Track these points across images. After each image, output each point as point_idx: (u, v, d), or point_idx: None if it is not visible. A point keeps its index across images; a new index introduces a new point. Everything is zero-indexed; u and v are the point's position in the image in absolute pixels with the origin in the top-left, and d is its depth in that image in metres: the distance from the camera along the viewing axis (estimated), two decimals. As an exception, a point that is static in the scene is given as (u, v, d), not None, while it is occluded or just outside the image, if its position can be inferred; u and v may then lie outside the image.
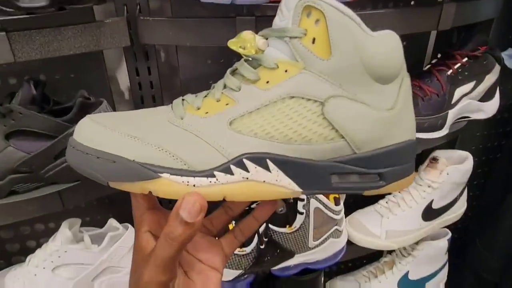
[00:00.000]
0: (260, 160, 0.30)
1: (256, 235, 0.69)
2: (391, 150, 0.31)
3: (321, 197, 0.67)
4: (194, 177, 0.29)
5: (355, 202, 0.98)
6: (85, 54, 0.56)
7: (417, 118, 0.66)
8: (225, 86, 0.33)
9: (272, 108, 0.30)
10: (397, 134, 0.31)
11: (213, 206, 0.33)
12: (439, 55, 0.75)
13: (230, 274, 0.69)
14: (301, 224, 0.68)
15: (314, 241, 0.70)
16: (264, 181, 0.30)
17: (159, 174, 0.29)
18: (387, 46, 0.30)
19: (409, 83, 0.32)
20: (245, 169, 0.30)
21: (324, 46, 0.29)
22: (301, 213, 0.67)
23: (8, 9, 0.45)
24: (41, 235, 0.82)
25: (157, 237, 0.31)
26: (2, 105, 0.52)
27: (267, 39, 0.32)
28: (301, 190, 0.31)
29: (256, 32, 0.33)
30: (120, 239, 0.68)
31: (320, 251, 0.73)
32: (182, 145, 0.30)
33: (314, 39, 0.30)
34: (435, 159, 0.81)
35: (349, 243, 0.80)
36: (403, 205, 0.80)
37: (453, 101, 0.69)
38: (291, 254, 0.71)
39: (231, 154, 0.30)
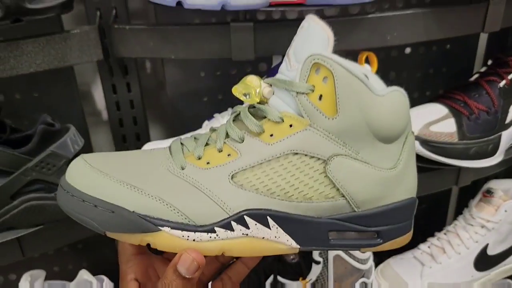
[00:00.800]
0: (260, 217, 0.35)
1: (263, 291, 0.68)
2: (391, 209, 0.37)
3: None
4: (194, 232, 0.35)
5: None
6: (50, 69, 0.57)
7: (462, 143, 0.65)
8: (227, 135, 0.38)
9: (274, 163, 0.36)
10: (398, 193, 0.37)
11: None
12: (489, 62, 0.74)
13: None
14: (318, 276, 0.67)
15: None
16: (263, 238, 0.36)
17: (160, 227, 0.34)
18: (393, 106, 0.35)
19: (413, 140, 0.38)
20: (246, 225, 0.35)
21: (331, 104, 0.34)
22: (318, 262, 0.66)
23: (-45, 23, 0.47)
24: (0, 288, 0.83)
25: (144, 286, 0.37)
26: None
27: (271, 86, 0.38)
28: (299, 246, 0.37)
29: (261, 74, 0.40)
30: (93, 296, 0.68)
31: (345, 311, 0.71)
32: (183, 197, 0.35)
33: (321, 96, 0.35)
34: (489, 192, 0.79)
35: (382, 298, 0.78)
36: (450, 251, 0.78)
37: (508, 119, 0.67)
38: (309, 315, 0.70)
39: (232, 209, 0.35)
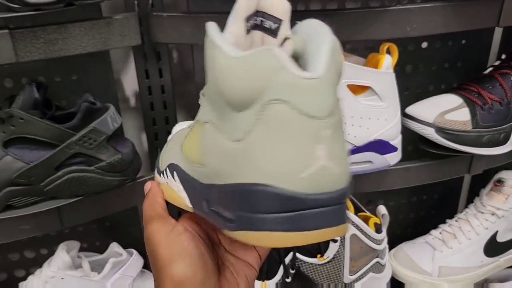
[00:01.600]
0: (172, 170, 0.42)
1: (282, 266, 0.72)
2: (242, 190, 0.30)
3: (359, 222, 0.70)
4: (158, 173, 0.46)
5: (403, 233, 1.00)
6: (89, 54, 0.62)
7: (475, 131, 0.69)
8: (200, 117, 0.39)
9: (192, 130, 0.39)
10: (250, 173, 0.30)
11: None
12: (503, 56, 0.78)
13: (250, 311, 0.73)
14: (335, 254, 0.71)
15: (350, 275, 0.73)
16: (173, 188, 0.42)
17: (156, 172, 0.47)
18: (242, 65, 0.29)
19: (284, 112, 0.28)
20: (166, 175, 0.43)
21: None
22: (335, 241, 0.70)
23: (14, 5, 0.52)
24: (32, 263, 0.87)
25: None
26: (1, 110, 0.58)
27: None
28: (191, 206, 0.39)
29: None
30: (123, 266, 0.73)
31: (358, 288, 0.75)
32: (172, 152, 0.43)
33: None
34: (500, 182, 0.82)
35: (395, 282, 0.82)
36: (461, 237, 0.81)
37: (520, 110, 0.71)
38: (322, 291, 0.74)
39: (164, 166, 0.44)
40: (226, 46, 0.30)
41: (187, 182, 0.38)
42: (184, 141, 0.40)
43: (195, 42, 0.65)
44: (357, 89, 0.63)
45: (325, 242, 0.71)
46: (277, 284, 0.73)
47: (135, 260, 0.75)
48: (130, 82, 0.81)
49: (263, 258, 0.44)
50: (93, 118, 0.62)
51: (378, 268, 0.76)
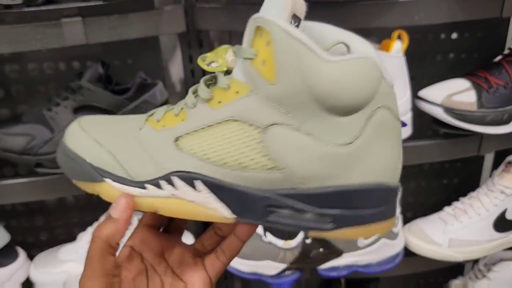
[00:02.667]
0: (188, 179, 0.35)
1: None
2: (346, 191, 0.32)
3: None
4: (129, 186, 0.37)
5: (421, 208, 1.07)
6: (142, 41, 0.75)
7: (480, 111, 0.77)
8: (186, 103, 0.38)
9: (215, 129, 0.35)
10: (355, 174, 0.33)
11: (203, 227, 0.42)
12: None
13: (274, 267, 0.83)
14: (350, 219, 0.80)
15: (364, 239, 0.82)
16: (193, 201, 0.36)
17: (104, 178, 0.37)
18: (345, 74, 0.31)
19: (387, 117, 0.33)
20: (173, 185, 0.36)
21: (272, 69, 0.32)
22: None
23: (87, -4, 0.66)
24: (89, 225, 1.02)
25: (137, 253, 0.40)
26: (73, 82, 0.72)
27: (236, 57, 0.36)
28: (234, 216, 0.36)
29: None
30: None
31: (372, 252, 0.84)
32: (129, 154, 0.38)
33: (264, 61, 0.33)
34: (510, 163, 0.89)
35: (410, 254, 0.90)
36: (471, 213, 0.89)
37: (523, 93, 0.78)
38: (338, 253, 0.83)
39: (164, 170, 0.36)
40: (319, 49, 0.31)
41: (227, 190, 0.35)
42: (191, 143, 0.36)
43: (232, 29, 0.77)
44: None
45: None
46: (298, 244, 0.83)
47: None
48: (175, 66, 0.94)
49: (213, 281, 0.42)
50: (144, 92, 0.75)
51: (391, 235, 0.84)
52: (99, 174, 0.37)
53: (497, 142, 0.86)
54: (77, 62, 0.89)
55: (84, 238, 0.84)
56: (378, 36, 0.87)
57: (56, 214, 1.01)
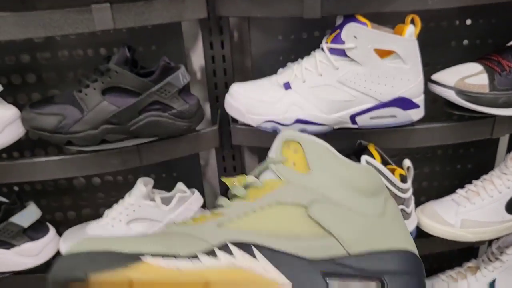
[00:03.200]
0: (245, 246, 0.35)
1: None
2: (388, 254, 0.36)
3: (384, 170, 0.81)
4: (177, 258, 0.32)
5: (435, 192, 1.09)
6: (165, 28, 0.78)
7: (492, 93, 0.79)
8: (219, 206, 0.41)
9: (260, 213, 0.38)
10: (392, 240, 0.37)
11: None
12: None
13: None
14: (364, 198, 0.83)
15: None
16: (250, 268, 0.34)
17: (140, 257, 0.32)
18: (361, 166, 0.42)
19: (396, 205, 0.41)
20: (230, 253, 0.34)
21: (303, 166, 0.40)
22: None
23: (115, -16, 0.70)
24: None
25: None
26: (101, 65, 0.77)
27: (257, 177, 0.43)
28: (287, 282, 0.35)
29: None
30: (187, 201, 0.89)
31: (384, 231, 0.87)
32: (171, 237, 0.35)
33: (294, 163, 0.41)
34: (524, 146, 0.90)
35: (423, 235, 0.93)
36: (484, 195, 0.91)
37: (535, 76, 0.80)
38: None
39: (217, 241, 0.35)
40: (334, 150, 0.43)
41: (282, 258, 0.35)
42: (237, 225, 0.37)
43: (250, 15, 0.80)
44: (383, 53, 0.75)
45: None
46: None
47: (197, 197, 0.91)
48: (197, 52, 0.98)
49: None
50: (168, 74, 0.79)
51: (403, 215, 0.87)
52: (131, 256, 0.32)
53: (510, 125, 0.87)
54: (104, 48, 0.93)
55: (110, 215, 0.89)
56: (393, 21, 0.90)
57: (83, 194, 1.07)
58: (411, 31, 0.75)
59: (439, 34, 0.96)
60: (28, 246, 0.88)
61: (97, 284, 0.31)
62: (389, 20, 0.92)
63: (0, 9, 0.85)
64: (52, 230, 0.92)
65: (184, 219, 0.40)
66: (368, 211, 0.39)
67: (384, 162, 0.87)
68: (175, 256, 0.32)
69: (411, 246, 0.39)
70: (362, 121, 0.79)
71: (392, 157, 0.87)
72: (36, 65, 0.93)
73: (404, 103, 0.77)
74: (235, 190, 0.42)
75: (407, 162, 0.86)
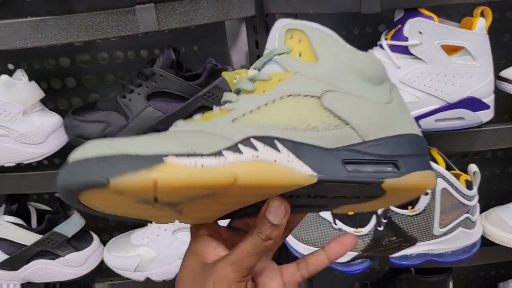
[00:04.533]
0: (268, 139, 0.35)
1: (375, 216, 0.80)
2: (401, 138, 0.38)
3: (450, 177, 0.75)
4: (202, 157, 0.32)
5: (497, 204, 1.02)
6: (208, 27, 0.73)
7: None
8: (224, 102, 0.40)
9: (271, 105, 0.37)
10: (401, 125, 0.38)
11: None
12: None
13: (344, 255, 0.81)
14: (426, 207, 0.77)
15: (440, 228, 0.78)
16: (275, 161, 0.34)
17: (163, 158, 0.31)
18: (365, 54, 0.40)
19: (399, 93, 0.41)
20: (254, 147, 0.34)
21: (310, 55, 0.38)
22: (426, 194, 0.76)
23: (160, -18, 0.65)
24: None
25: (218, 242, 0.38)
26: (145, 69, 0.72)
27: (259, 70, 0.41)
28: (316, 174, 0.35)
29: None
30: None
31: (447, 241, 0.80)
32: (186, 137, 0.34)
33: (300, 53, 0.39)
34: None
35: (486, 243, 0.86)
36: (556, 200, 0.83)
37: None
38: (412, 241, 0.80)
39: (238, 138, 0.34)
40: (339, 38, 0.40)
41: (304, 149, 0.36)
42: (252, 119, 0.37)
43: (301, 11, 0.75)
44: (450, 49, 0.68)
45: (416, 194, 0.77)
46: (369, 231, 0.80)
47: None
48: (240, 52, 0.93)
49: None
50: (215, 77, 0.74)
51: (468, 224, 0.80)
52: (154, 158, 0.31)
53: None
54: (144, 50, 0.89)
55: (156, 224, 0.85)
56: (456, 13, 0.82)
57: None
58: (481, 24, 0.68)
59: (502, 25, 0.88)
60: (73, 256, 0.85)
61: (118, 189, 0.30)
62: (451, 10, 0.85)
63: (41, 13, 0.82)
64: (96, 239, 0.89)
65: (191, 118, 0.39)
66: (377, 99, 0.39)
67: (448, 167, 0.81)
68: (200, 155, 0.32)
69: (418, 131, 0.40)
70: (427, 124, 0.72)
71: (448, 158, 0.80)
72: (76, 69, 0.90)
73: (473, 103, 0.70)
74: (240, 84, 0.40)
75: (473, 167, 0.79)
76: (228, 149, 0.33)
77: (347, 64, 0.39)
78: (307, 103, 0.37)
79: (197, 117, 0.39)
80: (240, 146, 0.34)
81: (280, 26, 0.40)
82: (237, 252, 0.36)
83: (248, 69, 0.43)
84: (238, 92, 0.40)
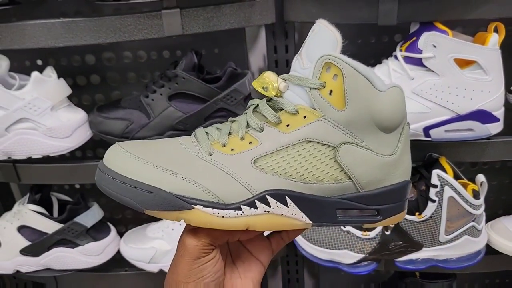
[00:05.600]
0: (280, 196, 0.41)
1: (382, 220, 0.82)
2: (389, 190, 0.42)
3: (457, 186, 0.77)
4: (223, 209, 0.40)
5: (504, 214, 1.03)
6: (229, 32, 0.76)
7: None
8: (248, 125, 0.43)
9: (291, 150, 0.41)
10: (395, 176, 0.43)
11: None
12: None
13: (351, 257, 0.84)
14: (432, 213, 0.79)
15: (446, 235, 0.80)
16: (282, 214, 0.41)
17: (193, 205, 0.39)
18: (393, 102, 0.41)
19: (408, 130, 0.43)
20: (268, 204, 0.41)
21: (340, 98, 0.40)
22: (433, 201, 0.78)
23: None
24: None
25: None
26: (168, 70, 0.76)
27: (286, 81, 0.43)
28: (311, 222, 0.43)
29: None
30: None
31: (453, 248, 0.82)
32: (213, 179, 0.40)
33: (331, 91, 0.40)
34: None
35: (489, 252, 0.87)
36: (562, 213, 0.84)
37: None
38: (418, 246, 0.82)
39: (255, 190, 0.40)
40: (376, 81, 0.40)
41: (307, 201, 0.42)
42: (270, 163, 0.41)
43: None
44: (463, 63, 0.71)
45: (423, 201, 0.79)
46: (377, 235, 0.82)
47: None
48: (258, 56, 0.95)
49: (272, 256, 0.49)
50: (234, 81, 0.77)
51: (474, 232, 0.82)
52: (186, 202, 0.39)
53: None
54: (167, 51, 0.92)
55: (171, 218, 0.88)
56: (470, 27, 0.84)
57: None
58: (494, 40, 0.70)
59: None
60: (91, 246, 0.88)
61: (151, 214, 0.40)
62: (465, 24, 0.86)
63: (70, 13, 0.86)
64: (113, 231, 0.93)
65: (220, 138, 0.43)
66: (384, 151, 0.42)
67: (456, 176, 0.83)
68: (222, 209, 0.39)
69: (407, 175, 0.44)
70: (436, 134, 0.74)
71: (458, 167, 0.82)
72: (101, 67, 0.94)
73: (483, 116, 0.72)
74: (266, 111, 0.42)
75: (481, 177, 0.81)
76: (246, 204, 0.40)
77: (370, 112, 0.40)
78: (323, 153, 0.41)
79: (223, 139, 0.42)
80: (257, 202, 0.40)
81: (321, 56, 0.40)
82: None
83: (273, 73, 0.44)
84: (260, 115, 0.43)
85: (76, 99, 0.95)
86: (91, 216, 0.88)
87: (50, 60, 0.92)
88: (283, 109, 0.42)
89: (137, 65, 0.94)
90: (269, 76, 0.43)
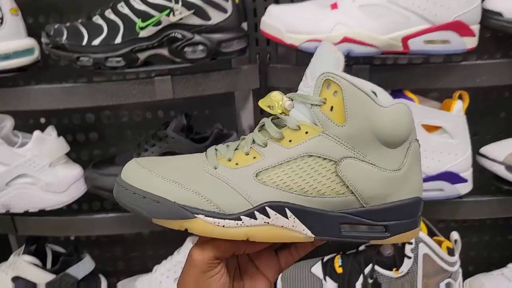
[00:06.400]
0: (280, 208, 0.42)
1: (362, 276, 0.85)
2: (397, 205, 0.42)
3: (431, 243, 0.80)
4: (224, 219, 0.41)
5: (476, 271, 1.05)
6: (219, 94, 0.83)
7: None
8: (253, 142, 0.45)
9: (292, 164, 0.42)
10: (403, 192, 0.42)
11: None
12: None
13: (332, 312, 0.86)
14: (409, 270, 0.82)
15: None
16: (282, 226, 0.42)
17: (195, 215, 0.41)
18: (396, 117, 0.41)
19: (418, 147, 0.43)
20: (267, 215, 0.42)
21: (340, 114, 0.41)
22: (409, 257, 0.81)
23: (177, 59, 0.75)
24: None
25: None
26: (160, 131, 0.82)
27: (292, 100, 0.44)
28: (313, 236, 0.43)
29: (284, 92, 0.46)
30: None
31: (430, 305, 0.84)
32: (215, 191, 0.42)
33: (332, 108, 0.41)
34: None
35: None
36: (537, 271, 0.87)
37: None
38: (397, 304, 0.84)
39: (255, 202, 0.42)
40: (376, 97, 0.41)
41: (309, 215, 0.42)
42: (272, 177, 0.42)
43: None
44: (431, 128, 0.76)
45: (400, 257, 0.82)
46: (357, 290, 0.85)
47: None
48: (249, 116, 1.01)
49: (281, 272, 0.50)
50: (221, 141, 0.82)
51: (450, 289, 0.85)
52: (189, 212, 0.41)
53: None
54: (161, 111, 0.99)
55: (159, 270, 0.92)
56: (438, 94, 0.90)
57: (133, 246, 1.11)
58: (459, 106, 0.76)
59: (487, 105, 0.96)
60: (81, 298, 0.91)
61: (157, 222, 0.42)
62: (433, 91, 0.93)
63: (75, 77, 0.93)
64: (103, 282, 0.95)
65: (226, 153, 0.45)
66: (388, 166, 0.42)
67: (431, 233, 0.86)
68: (223, 218, 0.41)
69: (419, 192, 0.43)
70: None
71: (438, 224, 0.86)
72: (99, 124, 1.00)
73: (452, 177, 0.77)
74: (270, 128, 0.44)
75: (454, 235, 0.84)
76: (246, 214, 0.42)
77: (372, 126, 0.41)
78: (324, 167, 0.42)
79: (229, 154, 0.44)
80: (256, 213, 0.42)
81: (321, 73, 0.42)
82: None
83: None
84: (265, 132, 0.45)
85: (74, 154, 1.00)
86: (82, 268, 0.92)
87: (52, 118, 0.99)
88: (286, 126, 0.44)
89: (133, 123, 1.00)
90: (276, 95, 0.45)
